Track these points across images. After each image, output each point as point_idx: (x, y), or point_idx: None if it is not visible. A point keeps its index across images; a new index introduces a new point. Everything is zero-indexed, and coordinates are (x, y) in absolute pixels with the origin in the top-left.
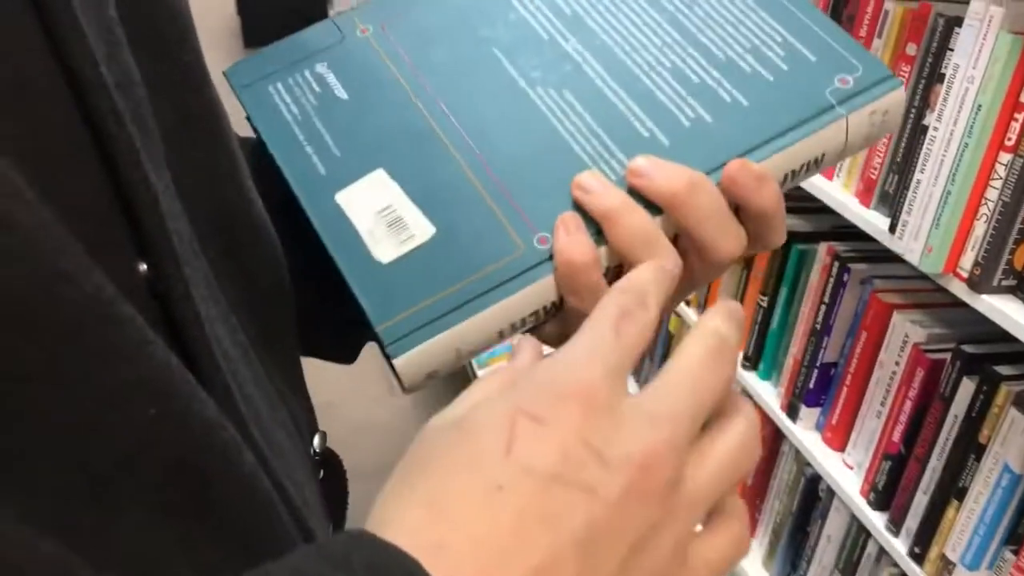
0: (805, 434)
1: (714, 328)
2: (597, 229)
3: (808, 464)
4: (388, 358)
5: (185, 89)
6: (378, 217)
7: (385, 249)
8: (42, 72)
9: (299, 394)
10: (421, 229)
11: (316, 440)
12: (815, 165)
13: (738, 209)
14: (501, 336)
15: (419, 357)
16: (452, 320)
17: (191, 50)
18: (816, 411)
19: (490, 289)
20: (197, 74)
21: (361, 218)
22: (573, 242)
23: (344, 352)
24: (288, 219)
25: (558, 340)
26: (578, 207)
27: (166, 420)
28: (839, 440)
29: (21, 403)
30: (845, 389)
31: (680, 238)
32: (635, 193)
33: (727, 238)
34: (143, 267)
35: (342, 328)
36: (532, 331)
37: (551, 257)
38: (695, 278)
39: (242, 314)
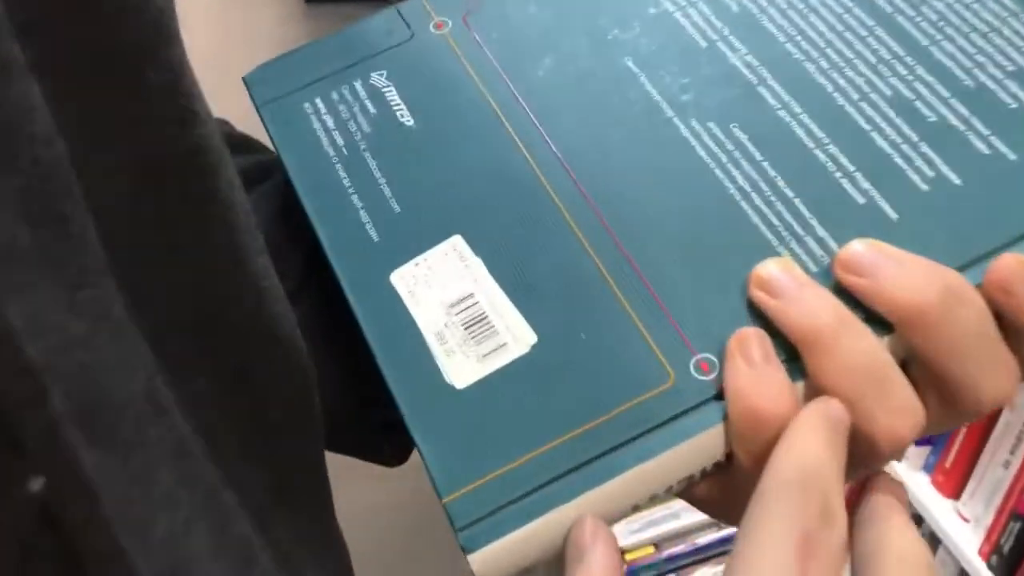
0: (911, 475)
1: (917, 556)
2: (790, 353)
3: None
4: (462, 547)
5: (157, 125)
6: (452, 312)
7: (460, 365)
8: None
9: (329, 550)
10: (516, 335)
11: None
12: None
13: (1000, 320)
14: (635, 510)
15: (509, 550)
16: (562, 494)
17: (166, 65)
18: (926, 450)
19: (620, 445)
20: (178, 101)
21: (427, 311)
22: (758, 380)
23: (389, 452)
24: (319, 281)
25: (715, 506)
26: (758, 314)
27: None
28: (952, 486)
29: None
30: (963, 428)
31: (913, 366)
32: (844, 294)
33: (994, 372)
34: (35, 485)
35: (387, 422)
36: (681, 492)
37: (719, 395)
38: (927, 428)
39: (246, 473)
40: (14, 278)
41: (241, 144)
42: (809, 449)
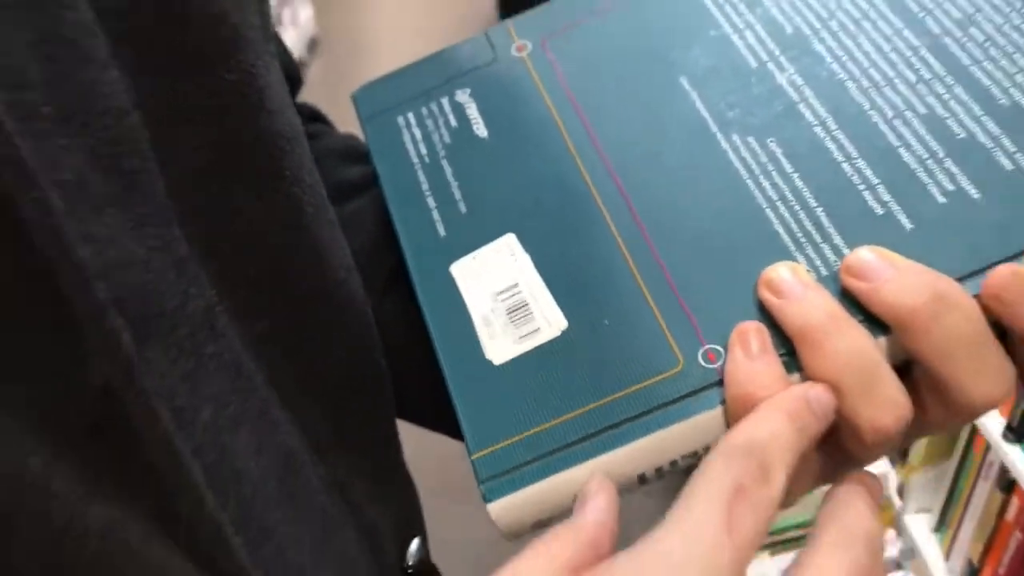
0: None
1: (865, 533)
2: (789, 348)
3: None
4: (483, 497)
5: (228, 115)
6: (498, 299)
7: (500, 345)
8: None
9: (392, 493)
10: (550, 321)
11: (414, 546)
12: None
13: (1003, 333)
14: (641, 481)
15: (524, 503)
16: (574, 457)
17: (238, 67)
18: None
19: (630, 418)
20: (249, 97)
21: (477, 298)
22: (753, 369)
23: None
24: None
25: None
26: (765, 312)
27: None
28: None
29: None
30: None
31: (913, 368)
32: (850, 299)
33: (984, 376)
34: (98, 380)
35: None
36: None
37: (721, 381)
38: (928, 426)
39: (306, 407)
40: (83, 209)
41: (362, 155)
42: (764, 423)
